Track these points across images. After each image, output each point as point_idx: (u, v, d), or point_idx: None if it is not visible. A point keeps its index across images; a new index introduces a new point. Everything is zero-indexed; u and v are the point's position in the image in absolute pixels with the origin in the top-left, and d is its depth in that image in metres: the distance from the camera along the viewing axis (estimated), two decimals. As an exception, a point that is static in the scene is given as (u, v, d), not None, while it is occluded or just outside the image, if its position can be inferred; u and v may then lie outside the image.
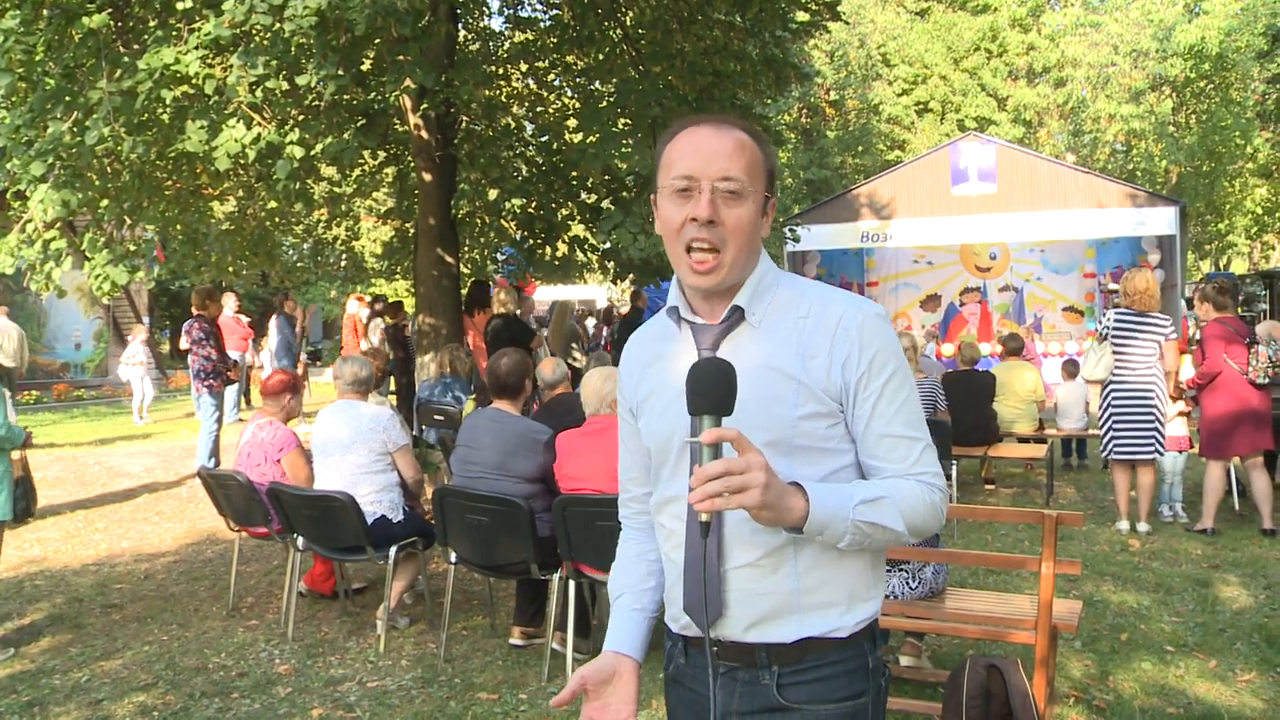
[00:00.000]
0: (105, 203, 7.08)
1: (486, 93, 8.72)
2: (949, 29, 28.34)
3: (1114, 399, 6.42)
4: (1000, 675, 3.16)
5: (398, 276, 14.58)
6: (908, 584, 3.82)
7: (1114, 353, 6.40)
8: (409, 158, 9.27)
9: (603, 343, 15.22)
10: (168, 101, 5.83)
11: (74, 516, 7.72)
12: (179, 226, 8.35)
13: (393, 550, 4.62)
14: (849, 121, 30.19)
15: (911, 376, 1.55)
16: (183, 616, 5.20)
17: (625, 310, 14.71)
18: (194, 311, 8.88)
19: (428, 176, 8.13)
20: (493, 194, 8.08)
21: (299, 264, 14.10)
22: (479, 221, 9.02)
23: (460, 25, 8.80)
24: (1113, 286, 16.47)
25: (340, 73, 5.89)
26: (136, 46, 6.16)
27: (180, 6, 5.73)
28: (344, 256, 13.50)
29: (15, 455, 4.86)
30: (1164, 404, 6.44)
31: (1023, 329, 15.71)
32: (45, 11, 5.70)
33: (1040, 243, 17.15)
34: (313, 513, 4.72)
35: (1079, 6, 27.85)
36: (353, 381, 5.03)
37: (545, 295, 19.84)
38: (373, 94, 7.36)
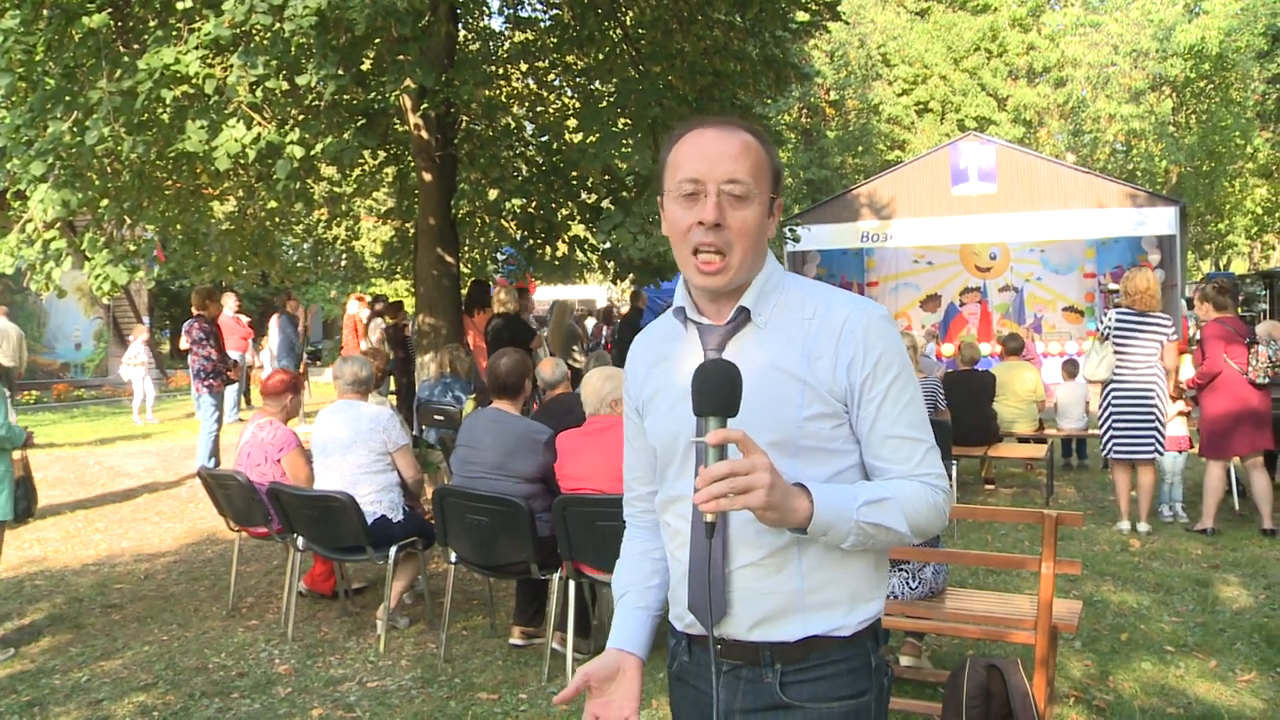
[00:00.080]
0: (105, 202, 7.08)
1: (486, 93, 8.72)
2: (949, 29, 28.34)
3: (1114, 399, 6.42)
4: (1000, 675, 3.16)
5: (398, 276, 14.58)
6: (908, 584, 3.82)
7: (1115, 353, 6.40)
8: (409, 158, 9.27)
9: (602, 342, 15.21)
10: (168, 101, 5.83)
11: (74, 516, 7.72)
12: (179, 226, 8.36)
13: (392, 550, 4.62)
14: (849, 121, 30.19)
15: (916, 378, 1.56)
16: (183, 616, 5.20)
17: (625, 310, 14.72)
18: (194, 311, 8.88)
19: (428, 176, 8.13)
20: (493, 194, 8.08)
21: (299, 264, 14.09)
22: (479, 221, 9.02)
23: (460, 25, 8.80)
24: (1113, 286, 16.47)
25: (340, 73, 5.89)
26: (136, 46, 6.16)
27: (180, 6, 5.73)
28: (344, 256, 13.50)
29: (16, 455, 4.85)
30: (1164, 404, 6.44)
31: (1023, 329, 15.71)
32: (45, 11, 5.70)
33: (1040, 243, 17.15)
34: (313, 513, 4.72)
35: (1079, 6, 27.85)
36: (353, 381, 5.02)
37: (545, 295, 19.85)
38: (373, 94, 7.36)
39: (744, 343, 1.53)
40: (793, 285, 1.57)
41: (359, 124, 7.32)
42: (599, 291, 23.73)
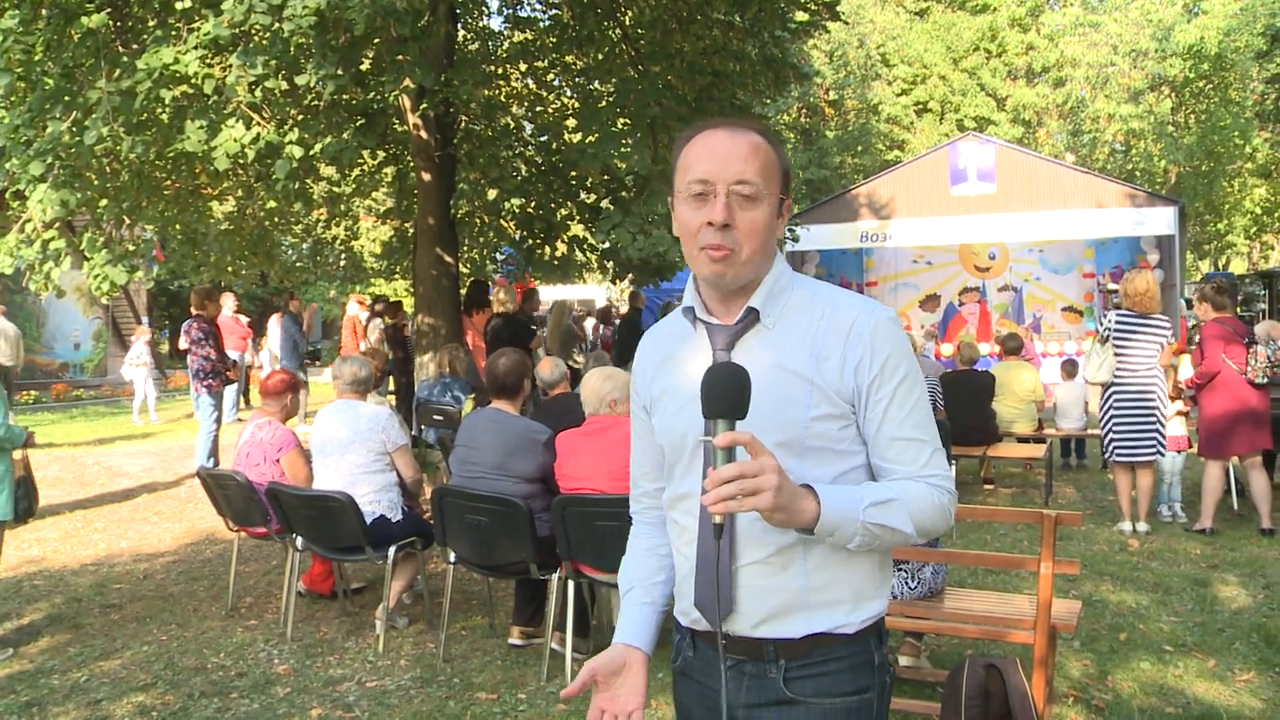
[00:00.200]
0: (104, 202, 7.08)
1: (486, 92, 8.72)
2: (948, 29, 28.37)
3: (1115, 401, 6.42)
4: (999, 675, 3.16)
5: (397, 276, 14.57)
6: (907, 584, 3.82)
7: (1115, 355, 6.41)
8: (408, 157, 9.27)
9: (600, 343, 15.20)
10: (167, 101, 5.82)
11: (73, 516, 7.72)
12: (178, 226, 8.35)
13: (392, 550, 4.62)
14: (848, 121, 30.21)
15: (922, 380, 1.58)
16: (182, 616, 5.20)
17: (624, 310, 14.72)
18: (193, 311, 8.87)
19: (427, 176, 8.13)
20: (492, 194, 8.08)
21: (298, 264, 14.08)
22: (478, 221, 9.02)
23: (459, 25, 8.80)
24: (1112, 286, 16.48)
25: (339, 72, 5.89)
26: (135, 46, 6.16)
27: (179, 6, 5.73)
28: (343, 256, 13.49)
29: (17, 455, 4.85)
30: (1164, 405, 6.44)
31: (1022, 329, 15.73)
32: (44, 11, 5.70)
33: (1039, 243, 17.17)
34: (312, 513, 4.72)
35: (1078, 6, 27.88)
36: (352, 381, 5.02)
37: (544, 295, 19.82)
38: (372, 94, 7.36)
39: (752, 343, 1.54)
40: (801, 286, 1.58)
41: (358, 124, 7.32)
42: (598, 291, 23.73)
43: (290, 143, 5.98)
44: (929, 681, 3.92)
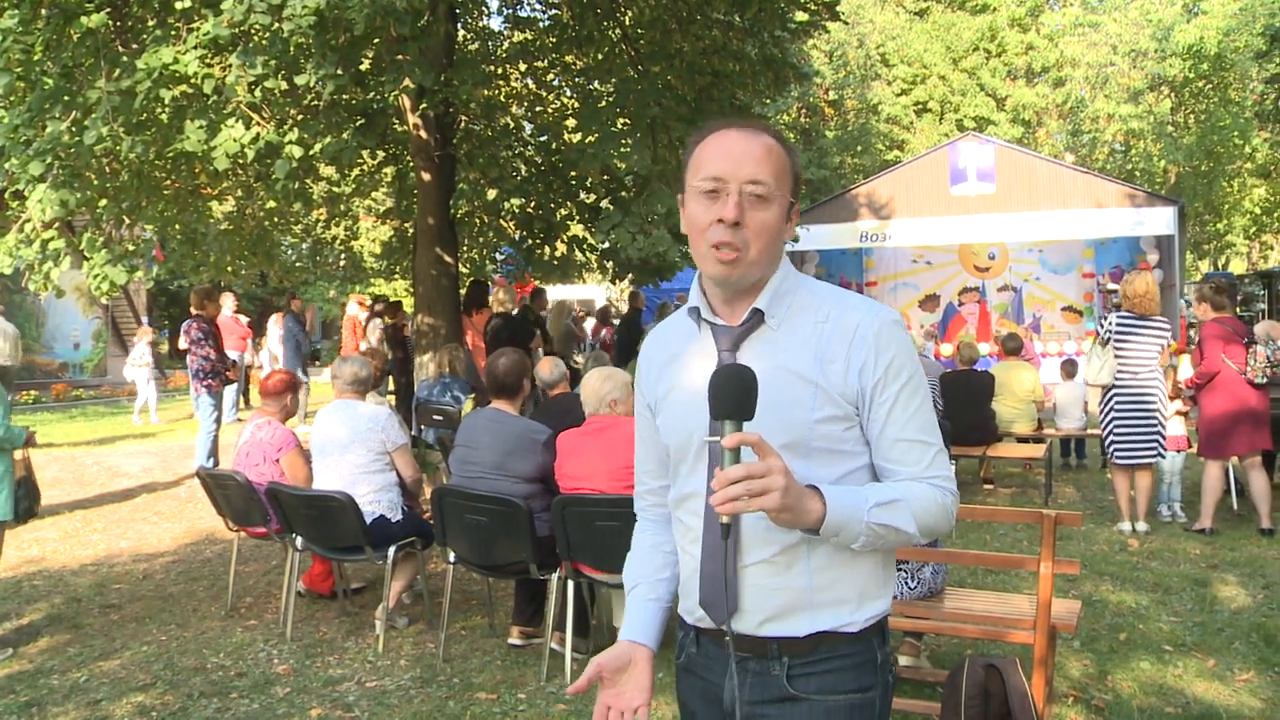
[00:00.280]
0: (104, 202, 7.07)
1: (485, 92, 8.72)
2: (948, 29, 28.37)
3: (1116, 403, 6.42)
4: (999, 675, 3.16)
5: (396, 276, 14.57)
6: (906, 584, 3.82)
7: (1115, 356, 6.41)
8: (408, 157, 9.27)
9: (600, 342, 15.20)
10: (166, 101, 5.82)
11: (72, 516, 7.72)
12: (178, 226, 8.35)
13: (391, 550, 4.62)
14: (848, 121, 30.21)
15: (925, 382, 1.59)
16: (181, 616, 5.20)
17: (624, 310, 14.73)
18: (192, 311, 8.87)
19: (426, 176, 8.13)
20: (491, 194, 8.08)
21: (298, 264, 14.07)
22: (478, 221, 9.02)
23: (459, 25, 8.80)
24: (1111, 286, 16.48)
25: (339, 72, 5.89)
26: (135, 46, 6.16)
27: (179, 6, 5.73)
28: (343, 256, 13.49)
29: (18, 455, 4.85)
30: (1164, 405, 6.45)
31: (1021, 329, 15.74)
32: (44, 11, 5.70)
33: (1039, 243, 17.16)
34: (311, 512, 4.72)
35: (1078, 6, 27.89)
36: (351, 381, 5.02)
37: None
38: (372, 94, 7.36)
39: (757, 344, 1.55)
40: (806, 288, 1.60)
41: (358, 124, 7.32)
42: (598, 291, 23.74)
43: (290, 143, 5.98)
44: (929, 681, 3.92)
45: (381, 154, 9.71)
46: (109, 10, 5.94)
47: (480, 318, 10.02)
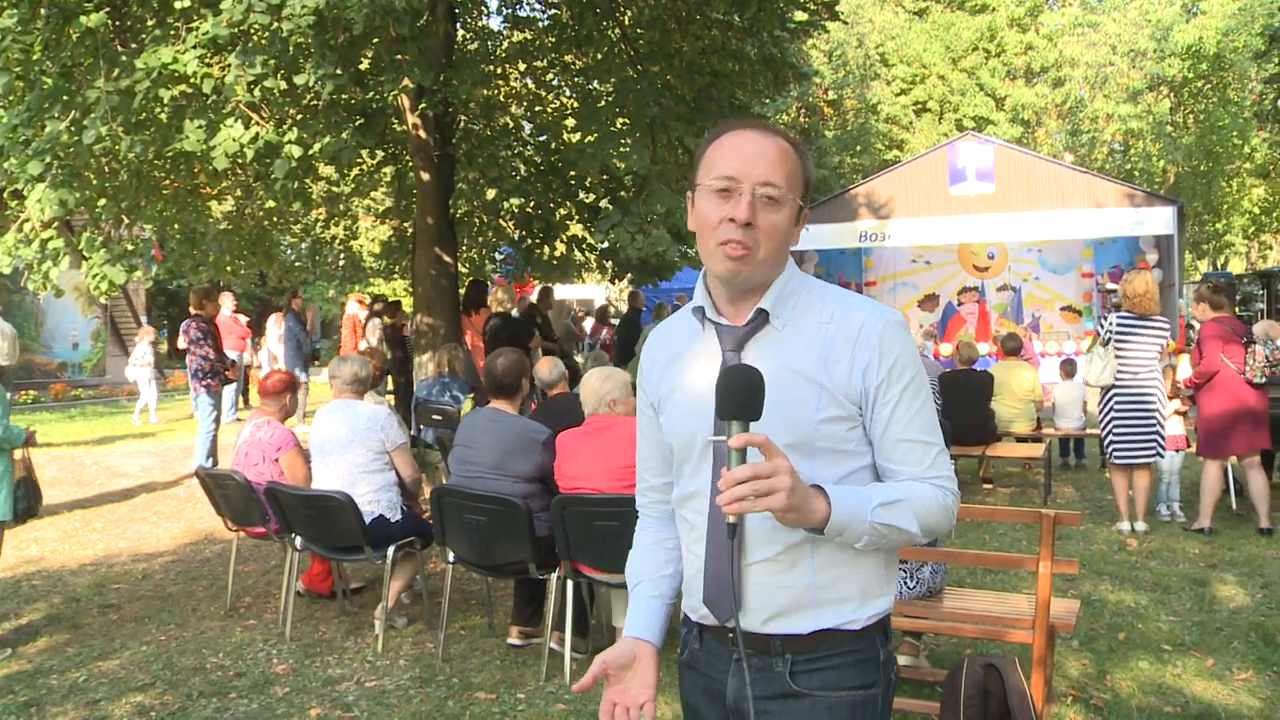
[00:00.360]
0: (103, 202, 7.07)
1: (485, 92, 8.73)
2: (947, 29, 28.37)
3: (1116, 403, 6.42)
4: (998, 674, 3.16)
5: (396, 276, 14.58)
6: (905, 583, 3.82)
7: (1116, 356, 6.41)
8: (407, 157, 9.28)
9: (600, 342, 15.21)
10: (165, 101, 5.82)
11: (71, 516, 7.71)
12: (177, 226, 8.35)
13: (391, 550, 4.62)
14: (847, 121, 30.22)
15: (928, 383, 1.60)
16: (180, 616, 5.20)
17: (624, 310, 14.73)
18: (191, 311, 8.86)
19: (426, 176, 8.13)
20: (491, 193, 8.09)
21: (297, 263, 14.07)
22: (477, 221, 9.02)
23: (458, 25, 8.80)
24: (1110, 286, 16.49)
25: (338, 72, 5.89)
26: (134, 45, 6.16)
27: (178, 6, 5.73)
28: (342, 256, 13.49)
29: (18, 455, 4.84)
30: (1163, 405, 6.45)
31: (1020, 328, 15.72)
32: (43, 10, 5.70)
33: (1038, 242, 17.17)
34: (310, 512, 4.72)
35: (1077, 6, 27.90)
36: (350, 381, 5.02)
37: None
38: (371, 93, 7.36)
39: (762, 344, 1.56)
40: (810, 289, 1.61)
41: (357, 123, 7.33)
42: (597, 291, 23.74)
43: (289, 142, 5.98)
44: (928, 681, 3.92)
45: (381, 154, 9.71)
46: (108, 10, 5.94)
47: (479, 317, 10.02)
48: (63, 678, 4.36)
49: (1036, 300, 17.82)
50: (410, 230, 9.71)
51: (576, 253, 9.75)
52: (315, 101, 6.61)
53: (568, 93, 10.12)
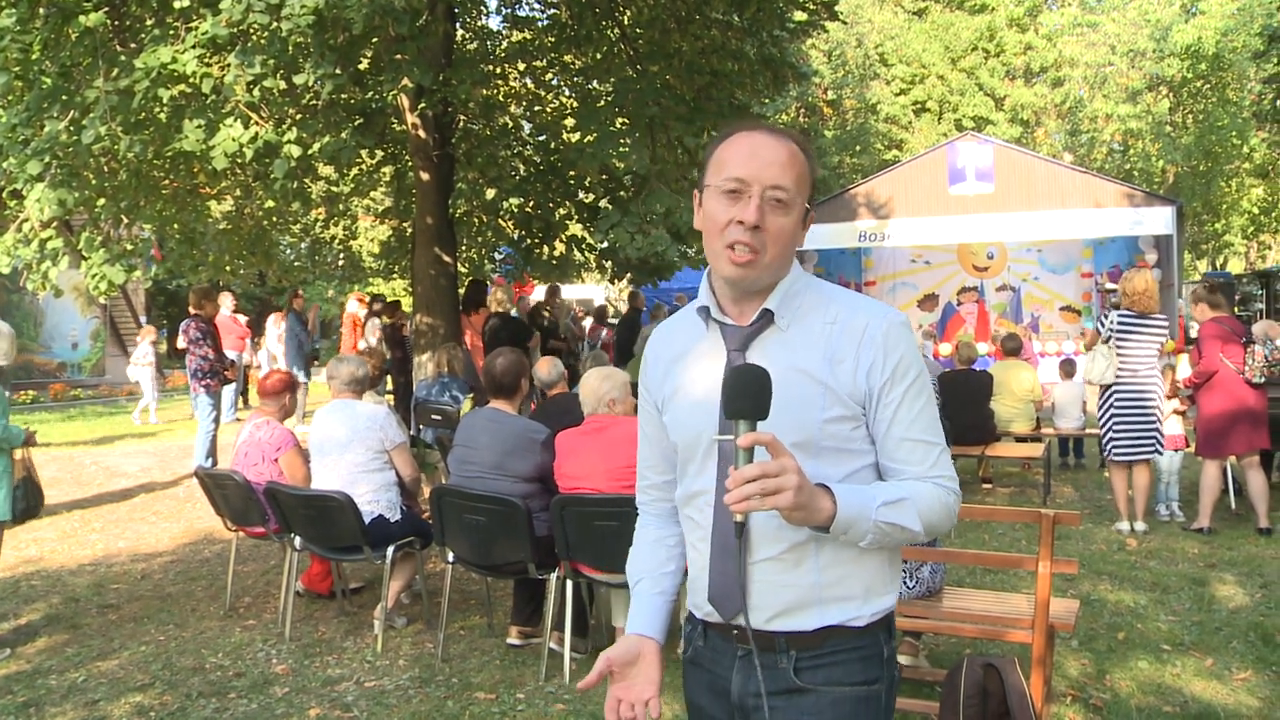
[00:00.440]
0: (102, 202, 7.07)
1: (484, 92, 8.73)
2: (946, 29, 28.39)
3: (1116, 401, 6.42)
4: (997, 674, 3.16)
5: (395, 276, 14.57)
6: (905, 583, 3.82)
7: (1116, 354, 6.41)
8: (406, 157, 9.27)
9: (599, 342, 15.20)
10: (165, 100, 5.82)
11: (71, 516, 7.71)
12: (176, 226, 8.35)
13: (390, 550, 4.62)
14: (846, 121, 30.22)
15: (930, 383, 1.61)
16: (180, 616, 5.20)
17: (623, 310, 14.73)
18: (191, 311, 8.85)
19: (425, 176, 8.13)
20: (490, 193, 8.09)
21: (296, 263, 14.07)
22: (476, 221, 9.02)
23: (458, 24, 8.80)
24: (1110, 286, 16.50)
25: (338, 72, 5.89)
26: (133, 45, 6.15)
27: (177, 5, 5.72)
28: (341, 256, 13.48)
29: (18, 455, 4.84)
30: (1162, 403, 6.45)
31: (1020, 328, 15.73)
32: (42, 10, 5.70)
33: (1037, 242, 17.18)
34: (310, 512, 4.71)
35: (1076, 6, 27.92)
36: (349, 381, 5.02)
37: (541, 294, 19.80)
38: (370, 93, 7.36)
39: (767, 344, 1.57)
40: (815, 290, 1.62)
41: (356, 123, 7.32)
42: (596, 291, 23.74)
43: (288, 142, 5.98)
44: (927, 681, 3.92)
45: (380, 153, 9.71)
46: (107, 9, 5.94)
47: (478, 317, 10.02)
48: (62, 678, 4.36)
49: (1036, 300, 17.82)
50: (409, 230, 9.71)
51: (576, 253, 9.75)
52: (315, 101, 6.61)
53: (567, 92, 10.12)
